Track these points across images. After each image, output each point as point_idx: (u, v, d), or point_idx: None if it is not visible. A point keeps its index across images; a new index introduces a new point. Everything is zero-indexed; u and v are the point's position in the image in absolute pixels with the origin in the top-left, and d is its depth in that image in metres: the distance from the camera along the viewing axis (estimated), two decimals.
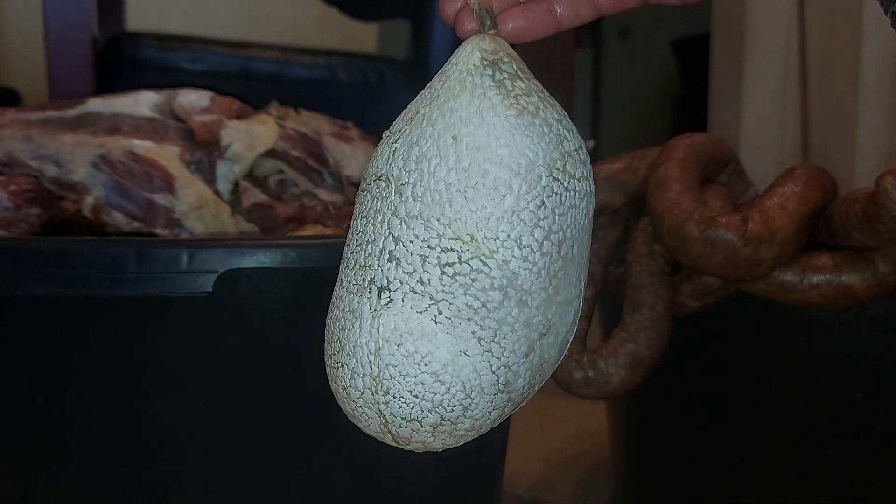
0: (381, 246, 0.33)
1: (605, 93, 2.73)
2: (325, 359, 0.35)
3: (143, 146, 0.63)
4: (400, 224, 0.33)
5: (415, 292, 0.32)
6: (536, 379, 0.35)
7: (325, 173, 0.71)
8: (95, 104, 0.66)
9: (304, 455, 0.55)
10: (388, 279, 0.33)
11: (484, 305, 0.33)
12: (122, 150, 0.62)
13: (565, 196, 0.34)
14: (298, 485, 0.55)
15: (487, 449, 0.63)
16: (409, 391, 0.33)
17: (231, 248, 0.51)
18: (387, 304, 0.32)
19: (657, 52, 2.47)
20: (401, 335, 0.32)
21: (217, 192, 0.65)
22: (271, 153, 0.68)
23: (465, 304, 0.33)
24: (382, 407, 0.33)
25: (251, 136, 0.67)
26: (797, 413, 0.67)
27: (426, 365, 0.33)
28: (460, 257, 0.33)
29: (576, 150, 0.35)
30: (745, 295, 0.63)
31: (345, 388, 0.34)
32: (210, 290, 0.50)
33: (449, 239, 0.33)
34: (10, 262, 0.49)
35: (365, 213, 0.34)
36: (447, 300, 0.32)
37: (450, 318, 0.32)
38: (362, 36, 1.95)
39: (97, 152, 0.62)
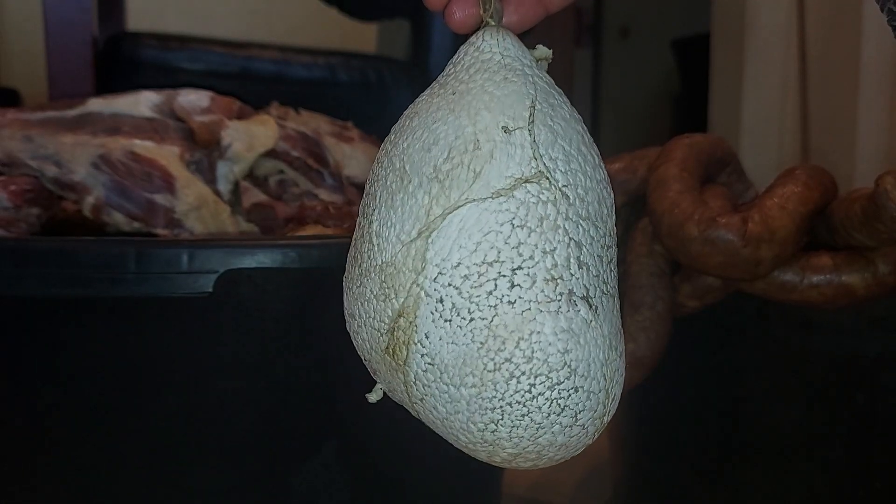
0: (564, 254, 0.30)
1: (605, 93, 2.73)
2: (533, 398, 0.30)
3: (143, 146, 0.63)
4: (575, 227, 0.31)
5: (604, 294, 0.31)
6: None
7: (326, 173, 0.71)
8: (95, 104, 0.66)
9: (304, 455, 0.55)
10: (585, 287, 0.31)
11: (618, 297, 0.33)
12: (122, 150, 0.62)
13: None
14: (298, 485, 0.55)
15: None
16: (621, 390, 0.32)
17: (231, 248, 0.51)
18: (596, 312, 0.31)
19: (657, 52, 2.47)
20: (613, 338, 0.31)
21: (217, 192, 0.64)
22: (271, 153, 0.68)
23: (618, 298, 0.33)
24: (606, 418, 0.32)
25: (251, 136, 0.67)
26: (797, 413, 0.67)
27: (627, 361, 0.33)
28: (614, 252, 0.32)
29: None
30: (745, 295, 0.63)
31: (576, 415, 0.30)
32: (210, 290, 0.50)
33: (607, 236, 0.32)
34: (10, 262, 0.49)
35: (524, 223, 0.30)
36: (617, 296, 0.32)
37: (619, 314, 0.32)
38: (362, 36, 1.95)
39: (97, 152, 0.62)
